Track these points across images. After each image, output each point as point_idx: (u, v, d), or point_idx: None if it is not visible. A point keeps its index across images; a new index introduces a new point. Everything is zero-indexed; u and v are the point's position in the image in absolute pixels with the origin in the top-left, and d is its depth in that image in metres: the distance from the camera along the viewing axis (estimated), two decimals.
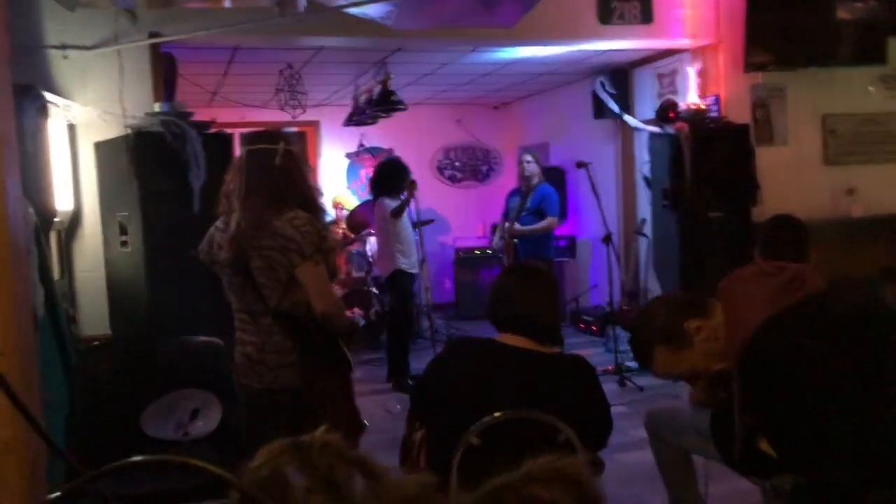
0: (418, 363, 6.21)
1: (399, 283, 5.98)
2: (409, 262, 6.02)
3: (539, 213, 6.26)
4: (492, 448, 2.16)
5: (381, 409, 5.35)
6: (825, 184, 5.88)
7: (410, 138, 8.87)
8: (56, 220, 4.01)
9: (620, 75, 7.03)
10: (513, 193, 6.66)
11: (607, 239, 5.73)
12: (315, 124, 8.87)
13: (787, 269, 1.94)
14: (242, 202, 2.56)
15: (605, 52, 6.28)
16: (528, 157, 6.38)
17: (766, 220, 3.30)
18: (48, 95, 3.71)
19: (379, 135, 8.40)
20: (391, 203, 5.91)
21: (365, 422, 2.83)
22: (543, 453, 0.76)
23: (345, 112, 7.75)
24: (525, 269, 2.50)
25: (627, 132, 7.14)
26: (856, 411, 1.77)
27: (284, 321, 2.57)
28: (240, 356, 2.65)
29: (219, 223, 2.71)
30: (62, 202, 4.15)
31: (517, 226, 6.32)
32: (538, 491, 0.69)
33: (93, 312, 4.32)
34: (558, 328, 2.43)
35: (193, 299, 3.88)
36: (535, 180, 6.31)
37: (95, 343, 2.79)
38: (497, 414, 2.19)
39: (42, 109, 3.50)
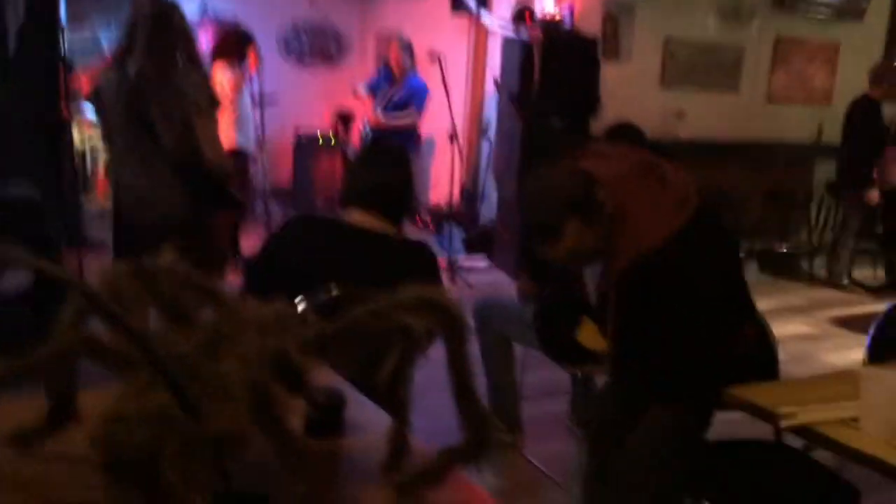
0: (249, 244, 6.06)
1: (234, 161, 5.73)
2: (245, 140, 5.79)
3: (405, 107, 6.09)
4: None
5: None
6: (660, 104, 6.19)
7: (257, 10, 8.36)
8: None
9: None
10: (377, 80, 6.39)
11: (453, 137, 5.76)
12: None
13: (668, 171, 2.00)
14: (144, 54, 2.84)
15: None
16: (402, 44, 6.14)
17: (607, 128, 3.43)
18: None
19: (223, 2, 7.86)
20: (229, 73, 5.60)
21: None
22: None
23: None
24: (379, 145, 2.46)
25: (482, 31, 7.11)
26: (721, 326, 1.93)
27: (177, 164, 2.91)
28: (127, 195, 3.01)
29: (111, 73, 2.96)
30: None
31: (380, 115, 6.09)
32: (404, 317, 0.68)
33: None
34: (410, 205, 2.40)
35: (7, 147, 3.54)
36: (407, 70, 6.15)
37: None
38: (334, 292, 2.17)
39: None
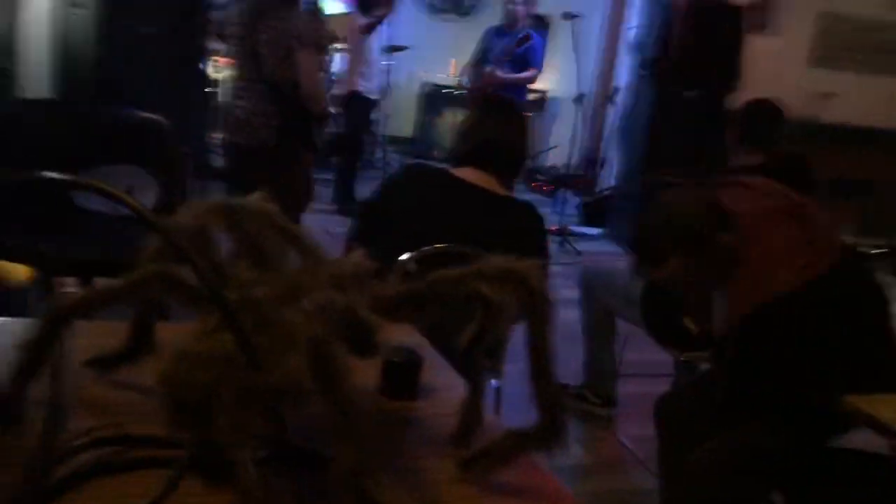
0: (365, 190, 6.15)
1: (355, 105, 5.80)
2: (368, 86, 5.82)
3: (521, 62, 5.82)
4: None
5: (321, 228, 5.32)
6: (806, 84, 5.79)
7: None
8: None
9: None
10: (492, 34, 6.13)
11: (578, 99, 5.60)
12: None
13: (813, 215, 1.82)
14: None
15: None
16: None
17: (744, 104, 3.22)
18: None
19: None
20: (364, 19, 5.63)
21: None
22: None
23: None
24: (496, 102, 2.39)
25: None
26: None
27: (274, 88, 3.15)
28: (231, 117, 3.25)
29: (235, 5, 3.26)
30: None
31: (498, 72, 5.88)
32: (481, 287, 0.64)
33: (33, 72, 4.06)
34: (522, 164, 2.34)
35: (145, 77, 3.69)
36: (521, 24, 5.96)
37: (32, 98, 2.61)
38: (437, 245, 2.15)
39: None
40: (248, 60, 3.18)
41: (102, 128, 2.67)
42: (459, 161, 2.31)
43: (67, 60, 3.86)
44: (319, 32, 3.25)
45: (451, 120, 8.49)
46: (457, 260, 2.10)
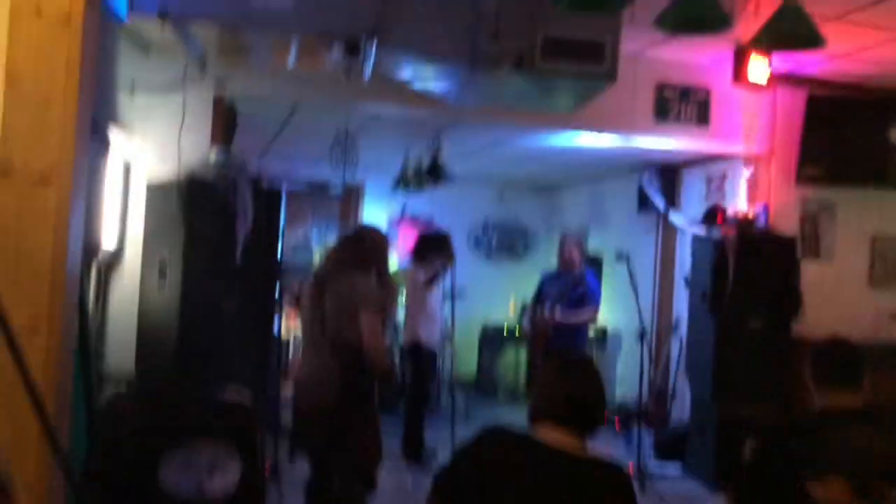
0: (434, 435, 6.08)
1: (420, 356, 5.90)
2: (429, 336, 5.95)
3: (579, 303, 6.03)
4: None
5: (393, 482, 5.21)
6: (869, 306, 5.76)
7: (451, 209, 8.90)
8: (99, 255, 4.03)
9: (669, 173, 7.03)
10: (550, 277, 6.40)
11: (642, 335, 5.62)
12: (360, 185, 8.96)
13: None
14: (335, 258, 3.63)
15: (655, 150, 6.29)
16: (572, 244, 6.21)
17: (818, 342, 3.19)
18: (111, 133, 3.77)
19: (421, 203, 8.44)
20: (423, 273, 5.90)
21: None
22: None
23: (390, 176, 7.82)
24: (571, 357, 2.43)
25: (669, 229, 7.10)
26: None
27: (339, 350, 3.35)
28: (298, 380, 3.56)
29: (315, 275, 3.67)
30: (107, 238, 4.17)
31: (558, 313, 6.04)
32: None
33: (121, 349, 4.29)
34: (602, 419, 2.33)
35: (223, 350, 3.85)
36: (578, 267, 6.16)
37: (121, 391, 2.75)
38: None
39: (104, 145, 3.56)
40: (315, 324, 3.44)
41: (187, 407, 2.76)
42: (537, 418, 2.30)
43: (151, 336, 4.08)
44: (385, 294, 3.56)
45: (513, 359, 8.56)
46: None
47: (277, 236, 4.45)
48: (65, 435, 2.05)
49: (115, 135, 3.86)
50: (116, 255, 4.41)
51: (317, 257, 8.33)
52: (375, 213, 8.98)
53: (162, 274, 3.99)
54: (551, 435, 2.23)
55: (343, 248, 3.71)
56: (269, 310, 4.26)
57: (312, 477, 3.60)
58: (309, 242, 8.88)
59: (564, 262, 6.16)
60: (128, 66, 4.37)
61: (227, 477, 2.69)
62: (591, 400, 2.27)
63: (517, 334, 8.51)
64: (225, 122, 4.79)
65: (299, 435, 3.60)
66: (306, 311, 3.59)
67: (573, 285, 5.96)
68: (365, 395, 3.47)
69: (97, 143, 3.42)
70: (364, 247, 3.64)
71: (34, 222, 1.92)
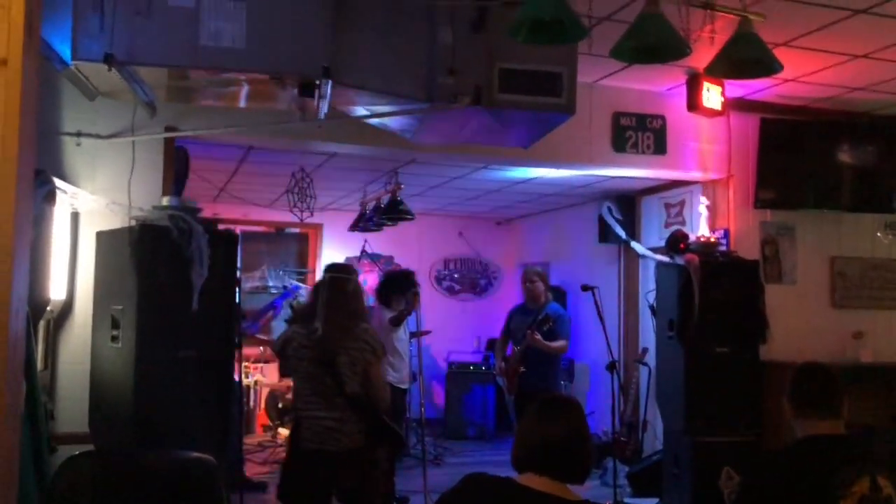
0: (405, 483, 5.91)
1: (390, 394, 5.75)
2: (398, 377, 5.82)
3: (550, 334, 5.81)
4: None
5: None
6: (833, 326, 5.79)
7: (412, 247, 8.83)
8: (48, 309, 3.85)
9: (627, 202, 7.06)
10: (517, 311, 6.23)
11: (612, 366, 5.54)
12: (318, 227, 8.84)
13: None
14: (326, 313, 3.63)
15: (613, 177, 6.31)
16: (535, 276, 6.05)
17: (795, 369, 3.15)
18: (57, 182, 3.61)
19: (381, 241, 8.33)
20: (389, 312, 5.78)
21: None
22: None
23: (348, 216, 7.73)
24: (554, 401, 2.32)
25: (631, 257, 7.11)
26: None
27: (357, 401, 3.62)
28: (316, 427, 3.61)
29: (297, 328, 3.76)
30: (56, 291, 3.99)
31: (538, 336, 5.73)
32: None
33: (72, 408, 4.07)
34: (589, 466, 2.23)
35: (181, 402, 3.68)
36: (543, 299, 6.00)
37: (75, 454, 2.58)
38: None
39: (50, 195, 3.39)
40: (323, 378, 3.61)
41: (149, 470, 2.61)
42: (522, 467, 2.20)
43: (105, 392, 3.89)
44: (380, 343, 3.77)
45: (481, 396, 8.43)
46: None
47: (234, 281, 4.31)
48: None
49: (60, 183, 3.70)
50: (66, 307, 4.22)
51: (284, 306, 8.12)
52: (335, 252, 8.86)
53: (115, 325, 3.81)
54: (536, 481, 2.14)
55: (328, 297, 3.71)
56: (228, 356, 4.09)
57: None
58: (266, 285, 8.70)
59: (529, 297, 6.03)
60: (73, 112, 4.23)
61: None
62: (575, 447, 2.18)
63: (483, 369, 8.41)
64: (177, 167, 4.64)
65: (320, 478, 3.68)
66: (307, 366, 3.68)
67: (542, 321, 5.79)
68: (383, 435, 3.82)
69: (41, 193, 3.26)
70: (353, 293, 3.78)
71: None
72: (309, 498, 3.75)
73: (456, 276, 9.61)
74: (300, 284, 8.55)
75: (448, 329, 8.86)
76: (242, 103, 3.91)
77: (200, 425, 3.63)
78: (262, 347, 7.87)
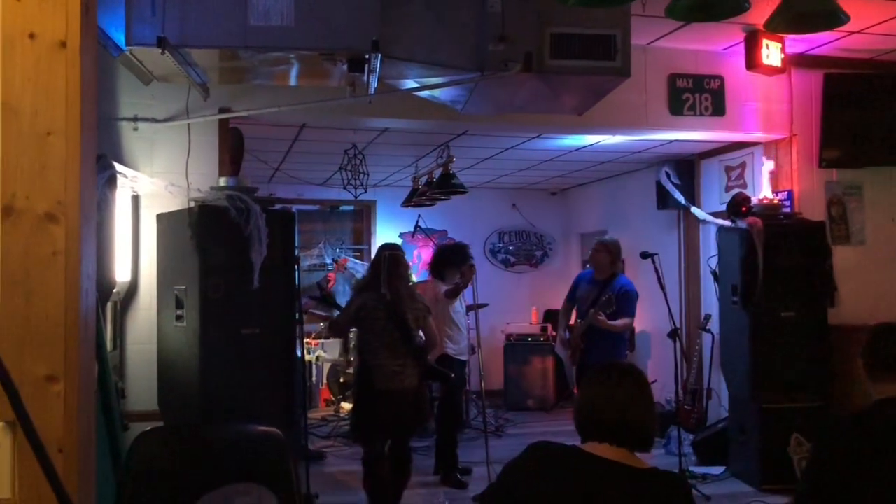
0: (467, 454, 5.94)
1: (447, 369, 5.76)
2: (456, 349, 5.82)
3: (613, 314, 5.48)
4: None
5: None
6: None
7: (465, 221, 8.81)
8: (114, 291, 3.94)
9: (686, 166, 6.89)
10: (583, 279, 5.93)
11: (674, 334, 5.46)
12: (371, 203, 8.88)
13: None
14: (390, 281, 4.55)
15: (671, 142, 6.17)
16: (599, 246, 5.75)
17: (872, 328, 3.04)
18: (117, 166, 3.68)
19: (434, 216, 8.32)
20: (444, 286, 5.77)
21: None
22: None
23: (401, 192, 7.73)
24: (615, 369, 2.28)
25: (691, 223, 6.95)
26: None
27: (417, 350, 4.62)
28: (388, 370, 4.49)
29: (367, 295, 4.61)
30: (121, 273, 4.08)
31: (601, 316, 5.42)
32: None
33: (141, 387, 4.19)
34: (652, 436, 2.19)
35: (246, 379, 3.75)
36: (609, 271, 5.67)
37: (146, 430, 2.65)
38: None
39: (111, 180, 3.46)
40: (393, 332, 4.51)
41: (219, 446, 2.66)
42: (586, 435, 2.17)
43: (172, 370, 3.98)
44: (426, 302, 4.92)
45: (540, 367, 8.41)
46: None
47: (292, 259, 4.35)
48: (91, 483, 1.94)
49: (120, 167, 3.77)
50: (132, 289, 4.32)
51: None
52: (389, 229, 8.89)
53: (179, 305, 3.89)
54: (600, 449, 2.11)
55: (390, 268, 4.59)
56: (289, 333, 4.15)
57: (395, 443, 4.69)
58: (324, 262, 8.80)
59: (594, 267, 5.83)
60: (129, 97, 4.30)
61: None
62: (636, 414, 2.13)
63: (542, 341, 8.38)
64: (232, 148, 4.70)
65: (386, 413, 4.51)
66: (381, 325, 4.52)
67: (605, 302, 5.45)
68: (432, 376, 5.03)
69: (103, 178, 3.33)
70: (406, 266, 4.84)
71: (43, 263, 1.81)
72: (378, 428, 4.55)
73: (511, 248, 9.55)
74: (357, 261, 8.62)
75: (504, 301, 8.83)
76: (293, 81, 3.92)
77: (265, 401, 3.69)
78: (321, 324, 7.98)
